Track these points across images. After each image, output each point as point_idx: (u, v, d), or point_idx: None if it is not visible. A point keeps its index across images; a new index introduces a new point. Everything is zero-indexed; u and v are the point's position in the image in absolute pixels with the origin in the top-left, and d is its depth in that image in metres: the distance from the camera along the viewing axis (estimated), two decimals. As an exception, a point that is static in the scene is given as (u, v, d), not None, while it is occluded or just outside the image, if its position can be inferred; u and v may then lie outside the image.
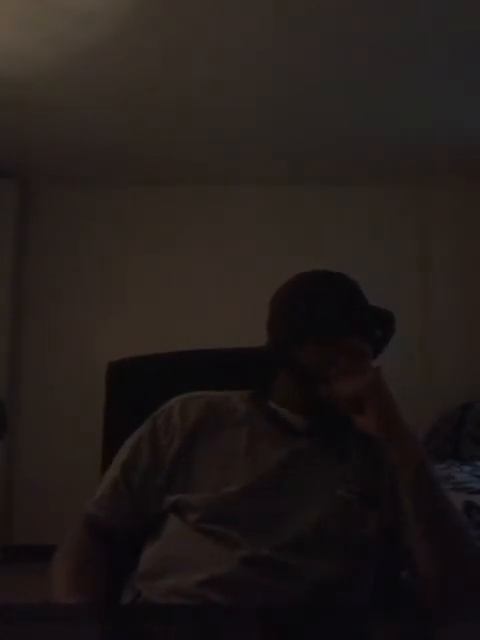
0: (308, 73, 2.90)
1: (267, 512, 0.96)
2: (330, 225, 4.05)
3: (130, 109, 3.20)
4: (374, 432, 0.93)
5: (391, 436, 0.92)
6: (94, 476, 1.22)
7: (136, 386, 1.27)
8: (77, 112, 3.21)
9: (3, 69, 2.80)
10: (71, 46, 2.64)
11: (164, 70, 2.86)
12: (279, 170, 3.95)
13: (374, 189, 4.08)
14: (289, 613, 0.73)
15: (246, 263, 3.99)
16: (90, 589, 0.92)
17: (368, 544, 0.97)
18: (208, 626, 0.68)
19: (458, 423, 3.21)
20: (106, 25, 2.50)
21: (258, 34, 2.60)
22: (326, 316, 1.03)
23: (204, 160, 3.80)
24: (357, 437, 1.03)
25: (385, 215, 4.09)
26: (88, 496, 1.11)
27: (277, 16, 2.49)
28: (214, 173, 3.98)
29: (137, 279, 4.04)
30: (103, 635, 0.69)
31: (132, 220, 4.10)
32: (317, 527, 0.95)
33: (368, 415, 0.93)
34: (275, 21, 2.51)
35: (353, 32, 2.58)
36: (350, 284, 1.08)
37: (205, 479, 1.01)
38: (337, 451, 1.04)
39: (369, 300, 1.10)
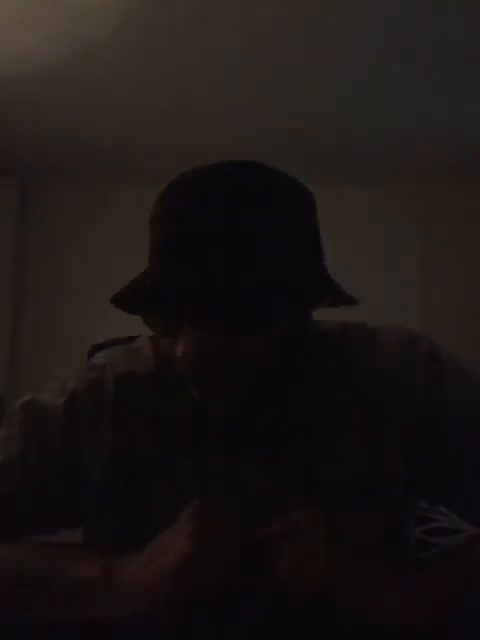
0: (308, 73, 2.90)
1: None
2: (329, 225, 4.01)
3: (130, 108, 3.20)
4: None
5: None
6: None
7: None
8: (77, 110, 3.21)
9: (3, 67, 2.80)
10: (71, 43, 2.64)
11: (164, 69, 2.86)
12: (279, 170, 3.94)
13: (374, 189, 4.08)
14: (289, 613, 0.73)
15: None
16: None
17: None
18: (208, 626, 0.68)
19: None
20: (106, 22, 2.50)
21: (258, 34, 2.60)
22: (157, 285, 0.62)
23: (204, 160, 3.78)
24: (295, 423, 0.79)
25: (385, 215, 4.08)
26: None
27: (277, 16, 2.48)
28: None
29: (137, 278, 4.03)
30: (103, 635, 0.69)
31: (132, 219, 4.08)
32: None
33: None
34: (275, 21, 2.51)
35: (353, 32, 2.58)
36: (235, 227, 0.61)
37: (164, 516, 0.67)
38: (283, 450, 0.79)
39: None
